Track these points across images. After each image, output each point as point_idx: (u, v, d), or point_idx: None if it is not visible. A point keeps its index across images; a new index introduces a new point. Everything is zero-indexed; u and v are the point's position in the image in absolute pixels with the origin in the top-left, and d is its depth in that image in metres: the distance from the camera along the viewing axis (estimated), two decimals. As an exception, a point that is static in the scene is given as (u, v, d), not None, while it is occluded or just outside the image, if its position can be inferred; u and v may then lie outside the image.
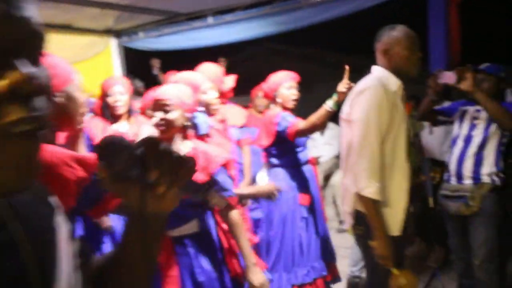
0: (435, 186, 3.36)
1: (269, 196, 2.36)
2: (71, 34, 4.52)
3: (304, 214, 2.72)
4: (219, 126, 2.40)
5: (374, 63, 1.96)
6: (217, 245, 1.81)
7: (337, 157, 4.94)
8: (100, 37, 4.78)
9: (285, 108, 2.73)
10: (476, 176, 2.63)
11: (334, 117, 2.53)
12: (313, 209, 2.75)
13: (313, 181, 2.80)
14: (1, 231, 0.51)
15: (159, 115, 1.67)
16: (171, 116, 1.66)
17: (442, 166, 3.72)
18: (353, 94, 1.88)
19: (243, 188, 2.34)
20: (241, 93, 3.72)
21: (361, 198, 1.78)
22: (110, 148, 0.56)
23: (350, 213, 1.93)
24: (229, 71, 2.83)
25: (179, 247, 1.74)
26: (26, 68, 0.45)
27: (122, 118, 2.57)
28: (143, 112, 2.43)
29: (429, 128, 3.88)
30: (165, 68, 3.82)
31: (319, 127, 2.55)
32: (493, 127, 2.59)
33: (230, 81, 2.61)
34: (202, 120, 1.91)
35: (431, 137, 3.93)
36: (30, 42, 0.46)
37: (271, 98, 2.80)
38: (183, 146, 1.70)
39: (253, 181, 2.65)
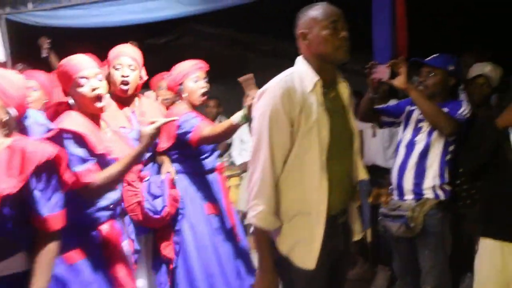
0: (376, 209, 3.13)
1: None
2: None
3: (214, 224, 2.67)
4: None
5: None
6: None
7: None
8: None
9: (192, 104, 2.70)
10: (417, 191, 2.54)
11: None
12: (223, 220, 2.74)
13: (219, 190, 2.76)
14: None
15: None
16: None
17: (387, 176, 3.79)
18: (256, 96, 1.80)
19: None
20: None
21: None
22: None
23: None
24: (145, 58, 2.71)
25: None
26: None
27: None
28: None
29: (371, 129, 3.86)
30: (61, 51, 3.51)
31: (223, 139, 2.55)
32: (437, 132, 2.51)
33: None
34: (34, 120, 1.80)
35: (374, 140, 3.90)
36: None
37: (176, 93, 2.75)
38: None
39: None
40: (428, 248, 2.50)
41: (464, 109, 2.52)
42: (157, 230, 2.59)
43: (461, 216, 2.71)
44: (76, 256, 1.89)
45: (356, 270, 3.95)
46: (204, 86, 2.70)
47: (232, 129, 2.48)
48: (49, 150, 1.52)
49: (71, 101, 2.03)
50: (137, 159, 2.01)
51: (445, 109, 2.53)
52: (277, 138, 1.68)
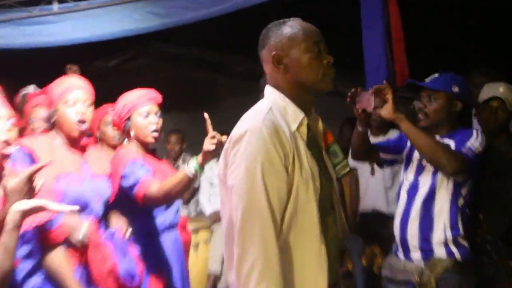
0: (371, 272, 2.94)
1: None
2: None
3: None
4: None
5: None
6: None
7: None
8: None
9: (143, 144, 2.60)
10: (425, 247, 2.41)
11: None
12: None
13: (178, 255, 2.62)
14: None
15: None
16: None
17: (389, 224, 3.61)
18: (228, 142, 1.65)
19: None
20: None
21: None
22: None
23: None
24: (95, 83, 2.62)
25: None
26: None
27: None
28: None
29: (369, 166, 3.75)
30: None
31: (177, 195, 2.46)
32: None
33: None
34: None
35: (373, 180, 3.80)
36: None
37: (122, 130, 2.65)
38: None
39: None
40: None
41: (475, 140, 2.40)
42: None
43: (487, 279, 2.56)
44: None
45: None
46: (155, 122, 2.58)
47: (187, 183, 2.36)
48: None
49: None
50: None
51: (452, 142, 2.42)
52: (276, 195, 1.55)
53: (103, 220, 2.47)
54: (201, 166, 2.32)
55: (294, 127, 1.64)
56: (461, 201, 2.40)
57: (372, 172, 3.77)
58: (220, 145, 2.16)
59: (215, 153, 2.22)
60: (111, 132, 3.04)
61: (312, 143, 1.72)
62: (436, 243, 2.39)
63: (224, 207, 1.67)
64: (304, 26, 1.68)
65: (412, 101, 3.55)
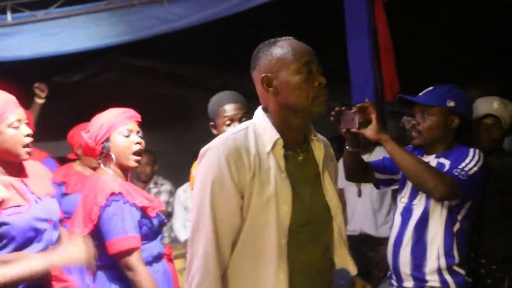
0: None
1: None
2: None
3: None
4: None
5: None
6: None
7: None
8: None
9: (123, 168, 2.56)
10: (418, 276, 2.42)
11: None
12: None
13: (169, 285, 2.61)
14: None
15: None
16: None
17: (379, 248, 3.61)
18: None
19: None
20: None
21: None
22: None
23: None
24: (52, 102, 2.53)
25: None
26: None
27: None
28: None
29: (356, 187, 3.79)
30: None
31: None
32: None
33: None
34: None
35: (360, 202, 3.84)
36: None
37: (98, 155, 2.59)
38: None
39: None
40: None
41: (470, 161, 2.40)
42: None
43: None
44: None
45: None
46: (139, 142, 2.56)
47: None
48: None
49: None
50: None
51: (447, 162, 2.43)
52: (223, 213, 1.66)
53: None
54: None
55: (268, 148, 1.70)
56: (457, 226, 2.40)
57: (359, 193, 3.81)
58: None
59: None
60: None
61: (304, 168, 1.77)
62: (429, 271, 2.40)
63: None
64: (294, 46, 1.71)
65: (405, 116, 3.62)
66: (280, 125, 1.73)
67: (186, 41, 4.54)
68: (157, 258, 2.60)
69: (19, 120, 2.24)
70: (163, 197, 4.65)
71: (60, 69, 5.93)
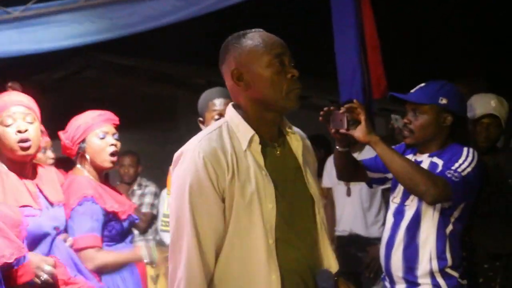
0: None
1: None
2: None
3: None
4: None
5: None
6: None
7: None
8: None
9: (98, 169, 2.64)
10: (410, 278, 2.40)
11: None
12: None
13: (136, 286, 2.64)
14: None
15: None
16: None
17: (369, 248, 3.61)
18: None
19: None
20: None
21: None
22: None
23: None
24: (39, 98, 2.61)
25: None
26: None
27: None
28: None
29: (345, 186, 3.77)
30: None
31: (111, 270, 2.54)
32: None
33: None
34: None
35: (349, 201, 3.82)
36: None
37: (74, 155, 2.68)
38: None
39: None
40: None
41: (464, 161, 2.36)
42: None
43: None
44: None
45: None
46: (113, 144, 2.63)
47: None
48: None
49: None
50: None
51: (440, 162, 2.40)
52: (204, 218, 1.62)
53: None
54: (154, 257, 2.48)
55: (245, 145, 1.67)
56: (450, 228, 2.38)
57: (348, 192, 3.79)
58: None
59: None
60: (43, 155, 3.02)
61: (283, 162, 1.74)
62: (421, 274, 2.38)
63: None
64: (265, 38, 1.67)
65: (396, 113, 3.60)
66: (253, 121, 1.70)
67: (169, 38, 4.51)
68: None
69: (12, 115, 2.29)
70: (148, 199, 4.61)
71: (41, 67, 5.86)
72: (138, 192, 4.68)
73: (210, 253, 1.62)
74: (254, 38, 1.67)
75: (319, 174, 4.05)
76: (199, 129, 2.83)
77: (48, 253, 2.26)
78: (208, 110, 2.65)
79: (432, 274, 2.37)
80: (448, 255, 2.36)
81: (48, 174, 2.54)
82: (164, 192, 4.93)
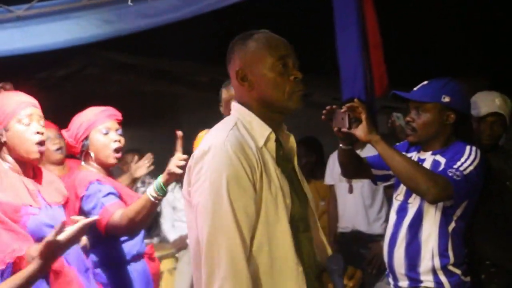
0: None
1: None
2: None
3: None
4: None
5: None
6: None
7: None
8: None
9: (103, 165, 2.64)
10: (412, 276, 2.41)
11: None
12: None
13: (147, 286, 2.65)
14: None
15: None
16: None
17: (372, 245, 3.61)
18: (192, 159, 1.71)
19: None
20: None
21: None
22: None
23: None
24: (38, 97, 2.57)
25: None
26: None
27: None
28: None
29: (347, 183, 3.76)
30: None
31: (141, 224, 2.44)
32: None
33: None
34: None
35: (351, 198, 3.81)
36: None
37: (79, 152, 2.68)
38: None
39: None
40: None
41: (466, 159, 2.36)
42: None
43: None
44: None
45: None
46: (117, 139, 2.62)
47: (150, 208, 2.37)
48: None
49: None
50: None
51: (443, 160, 2.40)
52: (244, 212, 1.60)
53: None
54: (164, 188, 2.31)
55: (261, 142, 1.69)
56: (452, 226, 2.38)
57: (350, 189, 3.78)
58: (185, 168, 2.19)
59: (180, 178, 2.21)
60: (52, 147, 3.01)
61: (283, 160, 1.77)
62: (423, 271, 2.38)
63: (191, 228, 1.71)
64: (270, 40, 1.70)
65: (398, 111, 3.59)
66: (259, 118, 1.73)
67: (171, 36, 4.51)
68: (136, 257, 2.63)
69: (30, 116, 2.23)
70: (151, 196, 4.63)
71: (44, 65, 5.86)
72: (142, 189, 4.66)
73: (248, 242, 1.60)
74: (259, 39, 1.70)
75: (313, 175, 4.09)
76: (201, 127, 2.84)
77: None
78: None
79: (434, 272, 2.38)
80: (450, 253, 2.37)
81: (48, 176, 2.51)
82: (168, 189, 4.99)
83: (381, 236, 3.57)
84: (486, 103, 2.82)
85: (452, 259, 2.37)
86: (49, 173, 2.54)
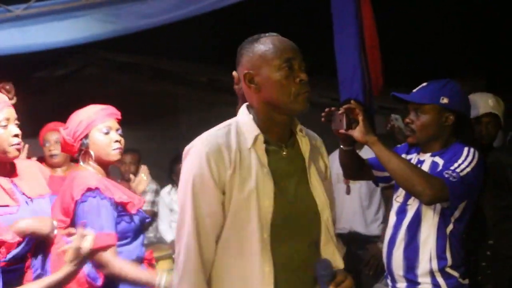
0: None
1: None
2: None
3: None
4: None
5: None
6: None
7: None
8: None
9: (103, 165, 2.57)
10: (410, 278, 2.41)
11: None
12: None
13: None
14: None
15: None
16: None
17: (369, 246, 3.64)
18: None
19: None
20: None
21: None
22: None
23: None
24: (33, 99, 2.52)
25: None
26: None
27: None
28: None
29: (345, 184, 3.77)
30: None
31: (120, 282, 2.42)
32: None
33: None
34: None
35: (349, 199, 3.82)
36: None
37: (76, 152, 2.59)
38: None
39: None
40: None
41: (463, 161, 2.35)
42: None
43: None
44: None
45: None
46: (118, 140, 2.56)
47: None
48: None
49: None
50: None
51: (441, 161, 2.40)
52: (204, 209, 1.71)
53: None
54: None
55: (249, 144, 1.73)
56: (450, 228, 2.38)
57: (348, 190, 3.79)
58: None
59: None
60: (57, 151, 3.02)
61: (288, 163, 1.78)
62: (421, 273, 2.39)
63: None
64: (276, 43, 1.73)
65: (396, 112, 3.59)
66: (264, 121, 1.77)
67: (171, 36, 4.50)
68: (136, 262, 2.54)
69: (7, 119, 2.25)
70: (149, 197, 4.61)
71: (42, 65, 5.83)
72: (148, 196, 4.68)
73: (208, 240, 1.71)
74: (266, 42, 1.74)
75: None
76: (200, 127, 2.84)
77: (36, 248, 2.24)
78: None
79: (432, 274, 2.38)
80: (448, 255, 2.37)
81: (29, 169, 2.47)
82: (164, 190, 4.95)
83: (379, 237, 3.59)
84: (480, 104, 2.86)
85: (450, 261, 2.36)
86: (30, 166, 2.51)
